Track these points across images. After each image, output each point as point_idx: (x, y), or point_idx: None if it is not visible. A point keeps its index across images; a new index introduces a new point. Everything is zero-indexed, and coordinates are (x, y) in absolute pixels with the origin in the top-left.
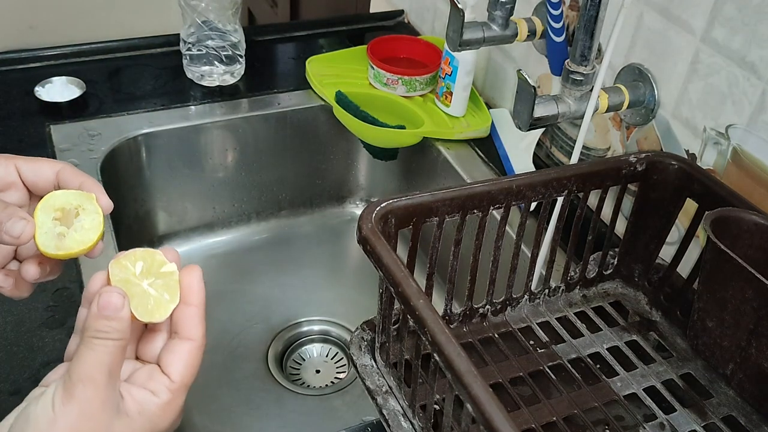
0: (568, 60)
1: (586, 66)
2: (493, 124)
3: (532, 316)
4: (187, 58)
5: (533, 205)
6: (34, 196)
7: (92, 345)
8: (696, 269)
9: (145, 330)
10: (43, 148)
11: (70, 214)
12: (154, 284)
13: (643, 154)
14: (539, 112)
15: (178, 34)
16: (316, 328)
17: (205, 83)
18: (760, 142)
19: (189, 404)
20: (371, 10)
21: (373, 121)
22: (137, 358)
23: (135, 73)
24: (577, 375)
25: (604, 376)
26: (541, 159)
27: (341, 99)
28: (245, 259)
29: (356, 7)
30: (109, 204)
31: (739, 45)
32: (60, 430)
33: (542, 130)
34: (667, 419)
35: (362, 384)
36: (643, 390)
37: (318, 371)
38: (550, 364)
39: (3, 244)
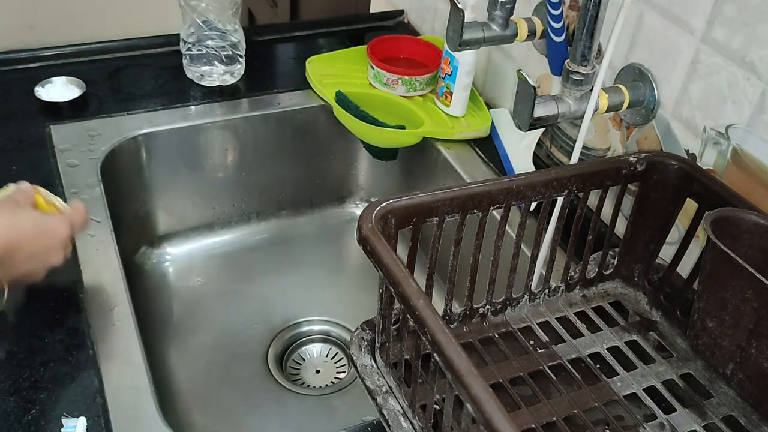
0: (568, 60)
1: (586, 66)
2: (493, 124)
3: (532, 316)
4: (187, 58)
5: (533, 205)
6: None
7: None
8: (696, 269)
9: None
10: (43, 149)
11: None
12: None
13: (643, 154)
14: (539, 112)
15: (178, 34)
16: (316, 328)
17: (205, 83)
18: (760, 142)
19: (189, 404)
20: (371, 10)
21: (373, 121)
22: None
23: (135, 73)
24: (577, 375)
25: (604, 376)
26: (541, 159)
27: (341, 99)
28: (245, 259)
29: (356, 7)
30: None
31: (739, 45)
32: None
33: (542, 130)
34: (667, 419)
35: (362, 384)
36: (643, 390)
37: (318, 371)
38: (550, 364)
39: None
